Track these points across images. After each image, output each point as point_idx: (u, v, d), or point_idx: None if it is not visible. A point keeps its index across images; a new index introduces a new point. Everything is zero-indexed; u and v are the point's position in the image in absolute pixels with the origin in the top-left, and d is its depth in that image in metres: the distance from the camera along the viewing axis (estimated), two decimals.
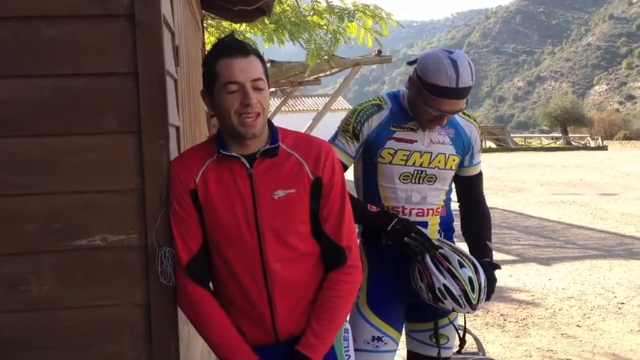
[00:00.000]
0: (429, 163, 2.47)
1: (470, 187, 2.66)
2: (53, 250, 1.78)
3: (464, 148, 2.55)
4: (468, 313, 2.37)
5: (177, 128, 2.19)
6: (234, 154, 1.80)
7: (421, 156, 2.46)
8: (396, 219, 2.40)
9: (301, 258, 1.85)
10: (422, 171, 2.47)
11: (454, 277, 2.31)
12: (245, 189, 1.79)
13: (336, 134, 2.52)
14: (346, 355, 1.96)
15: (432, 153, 2.47)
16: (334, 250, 1.88)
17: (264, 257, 1.80)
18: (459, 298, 2.30)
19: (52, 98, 1.77)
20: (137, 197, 1.81)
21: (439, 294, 2.31)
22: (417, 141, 2.46)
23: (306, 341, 1.83)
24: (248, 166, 1.80)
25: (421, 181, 2.48)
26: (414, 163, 2.45)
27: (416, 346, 2.68)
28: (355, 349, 2.40)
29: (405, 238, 2.36)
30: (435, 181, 2.50)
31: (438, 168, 2.49)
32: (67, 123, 1.77)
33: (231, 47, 1.77)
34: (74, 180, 1.78)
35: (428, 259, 2.35)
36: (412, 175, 2.47)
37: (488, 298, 2.43)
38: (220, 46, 1.81)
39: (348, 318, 2.01)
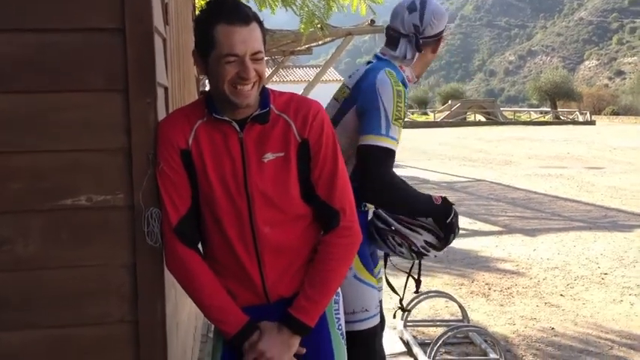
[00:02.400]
0: None
1: None
2: (38, 209, 1.75)
3: None
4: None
5: (166, 89, 2.15)
6: (225, 118, 1.77)
7: None
8: (454, 212, 2.40)
9: (291, 221, 1.83)
10: None
11: (429, 230, 2.42)
12: (236, 152, 1.77)
13: (387, 124, 2.27)
14: (336, 318, 1.95)
15: None
16: (327, 212, 1.85)
17: (254, 221, 1.78)
18: (437, 245, 2.44)
19: (37, 54, 1.72)
20: (123, 157, 1.78)
21: (423, 250, 2.42)
22: None
23: (299, 304, 1.81)
24: (239, 130, 1.78)
25: None
26: None
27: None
28: (371, 317, 2.47)
29: (452, 236, 2.41)
30: None
31: None
32: (52, 79, 1.73)
33: (231, 12, 1.68)
34: (59, 138, 1.74)
35: (401, 227, 2.42)
36: None
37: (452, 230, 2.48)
38: (219, 8, 1.71)
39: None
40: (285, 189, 1.80)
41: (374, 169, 2.26)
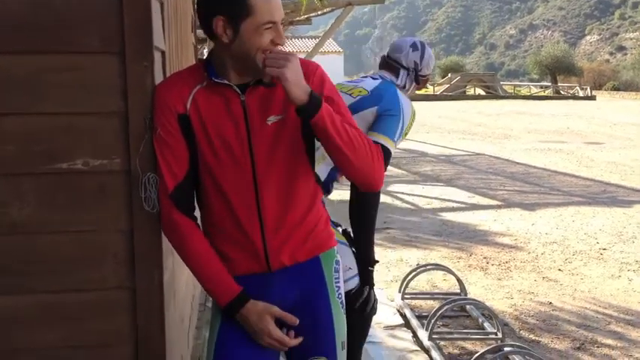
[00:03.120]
0: None
1: None
2: (33, 172, 1.72)
3: None
4: None
5: (163, 53, 2.10)
6: (226, 81, 1.73)
7: None
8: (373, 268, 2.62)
9: (296, 186, 1.80)
10: None
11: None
12: (239, 115, 1.74)
13: (400, 134, 2.59)
14: (336, 287, 1.93)
15: None
16: None
17: (258, 185, 1.76)
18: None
19: (31, 14, 1.67)
20: (120, 121, 1.74)
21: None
22: None
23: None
24: (240, 93, 1.74)
25: None
26: None
27: None
28: (355, 275, 2.62)
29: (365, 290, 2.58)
30: None
31: None
32: (46, 40, 1.68)
33: None
34: (53, 100, 1.70)
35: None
36: None
37: None
38: None
39: (339, 256, 1.97)
40: (290, 152, 1.78)
41: None
